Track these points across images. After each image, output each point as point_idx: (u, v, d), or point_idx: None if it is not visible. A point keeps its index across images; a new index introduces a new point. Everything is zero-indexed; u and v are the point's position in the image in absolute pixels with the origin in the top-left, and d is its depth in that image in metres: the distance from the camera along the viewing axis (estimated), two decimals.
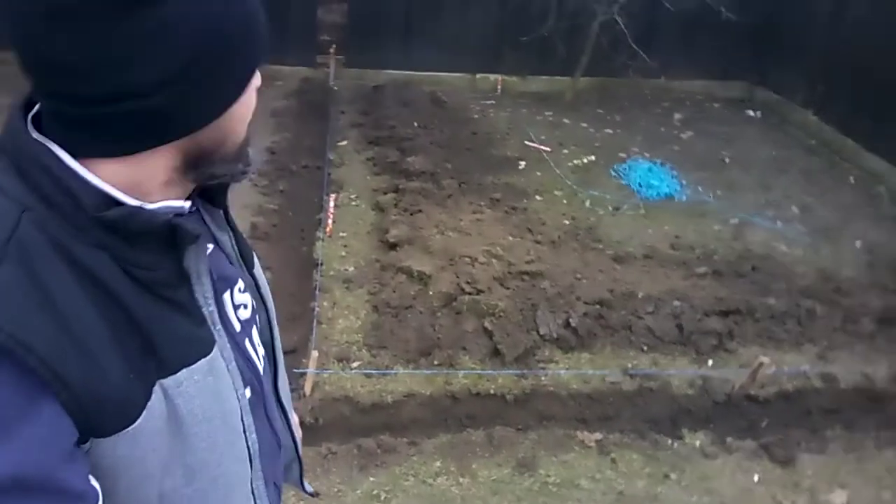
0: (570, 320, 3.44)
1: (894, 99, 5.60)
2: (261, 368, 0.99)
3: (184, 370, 0.77)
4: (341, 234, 4.14)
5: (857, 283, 4.17)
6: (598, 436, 3.07)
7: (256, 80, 0.80)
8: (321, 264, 3.80)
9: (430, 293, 3.49)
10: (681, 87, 7.27)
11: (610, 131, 6.16)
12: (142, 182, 0.73)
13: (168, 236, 0.75)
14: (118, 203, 0.71)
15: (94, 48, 0.64)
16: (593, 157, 5.59)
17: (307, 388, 3.01)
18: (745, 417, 3.27)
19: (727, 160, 5.82)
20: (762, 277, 4.09)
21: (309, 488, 1.29)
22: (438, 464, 2.86)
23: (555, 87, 6.88)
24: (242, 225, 4.16)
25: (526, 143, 5.69)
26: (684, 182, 5.31)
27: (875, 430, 3.29)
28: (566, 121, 6.29)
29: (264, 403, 1.00)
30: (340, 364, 3.18)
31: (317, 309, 3.45)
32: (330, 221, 4.17)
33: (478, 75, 6.92)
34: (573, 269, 3.87)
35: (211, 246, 0.89)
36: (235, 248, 0.98)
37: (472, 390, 3.13)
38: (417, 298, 3.47)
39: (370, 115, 5.88)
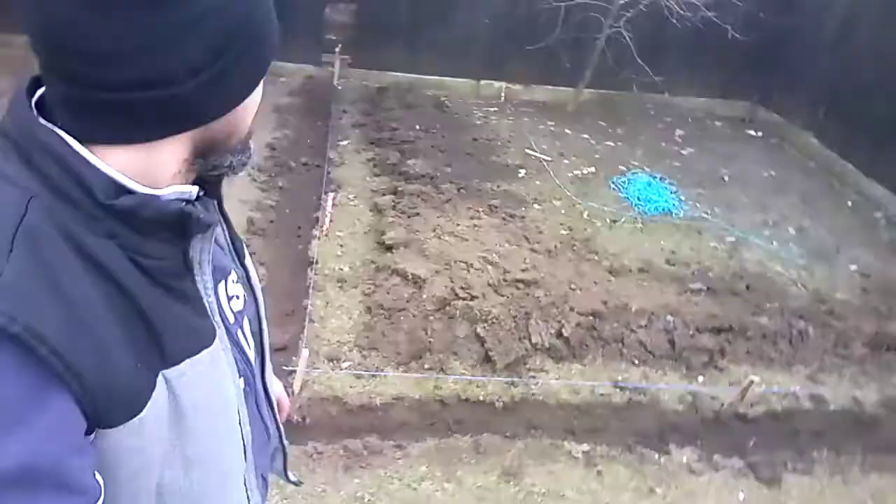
0: (563, 330, 3.44)
1: (895, 125, 5.62)
2: (252, 359, 0.99)
3: (187, 361, 0.77)
4: (338, 233, 4.14)
5: (850, 306, 4.18)
6: (585, 447, 3.07)
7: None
8: (316, 263, 3.79)
9: (424, 297, 3.48)
10: (684, 103, 7.29)
11: (611, 144, 6.17)
12: (151, 171, 0.73)
13: (178, 225, 0.75)
14: (128, 191, 0.71)
15: (132, 36, 0.64)
16: (593, 169, 5.60)
17: (296, 387, 3.00)
18: (732, 435, 3.27)
19: (726, 178, 5.84)
20: (756, 297, 4.10)
21: (292, 477, 1.29)
22: (424, 468, 2.85)
23: (558, 98, 6.90)
24: (239, 219, 4.16)
25: (527, 151, 5.70)
26: (683, 198, 5.32)
27: (862, 454, 3.29)
28: (568, 131, 6.30)
29: (255, 394, 1.02)
30: (330, 364, 3.17)
31: (309, 307, 3.44)
32: (327, 220, 4.16)
33: (482, 82, 6.93)
34: (568, 280, 3.87)
35: (219, 236, 0.90)
36: (228, 239, 0.99)
37: (461, 396, 3.13)
38: (411, 301, 3.47)
39: (373, 116, 5.88)
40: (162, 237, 0.74)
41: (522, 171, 5.34)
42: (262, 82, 0.81)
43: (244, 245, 1.04)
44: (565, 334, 3.43)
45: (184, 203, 0.75)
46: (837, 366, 3.71)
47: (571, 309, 3.58)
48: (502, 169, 5.31)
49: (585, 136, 6.27)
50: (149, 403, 0.71)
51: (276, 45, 0.80)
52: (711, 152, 6.32)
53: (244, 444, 0.93)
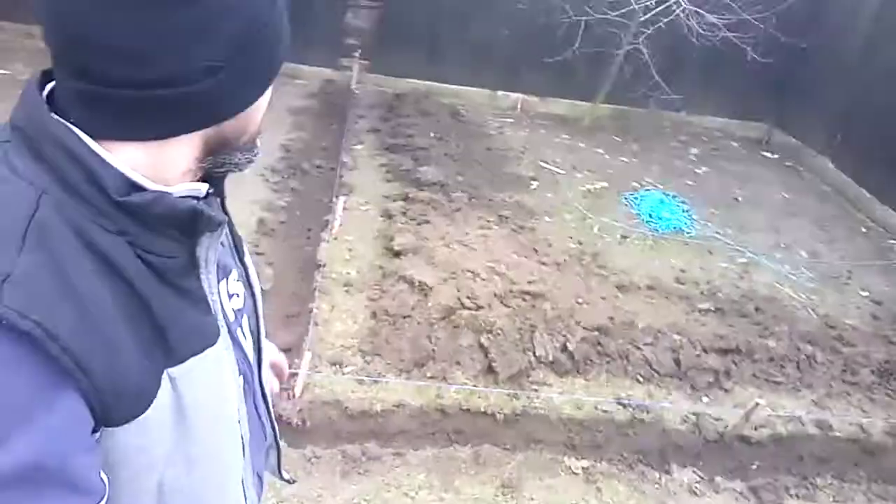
0: (568, 344, 3.42)
1: None
2: (251, 357, 1.00)
3: (192, 359, 0.77)
4: (347, 237, 4.14)
5: (860, 333, 4.13)
6: (585, 463, 3.04)
7: None
8: (324, 266, 3.79)
9: (430, 304, 3.47)
10: (700, 122, 7.28)
11: (625, 160, 6.15)
12: (163, 168, 0.73)
13: (188, 223, 0.75)
14: (140, 188, 0.71)
15: (154, 34, 0.65)
16: (606, 184, 5.58)
17: (297, 389, 3.00)
18: (735, 458, 3.23)
19: (740, 199, 5.81)
20: (765, 319, 4.06)
21: (286, 475, 1.29)
22: (422, 477, 2.84)
23: (574, 111, 6.90)
24: (250, 220, 4.18)
25: (540, 163, 5.69)
26: (695, 217, 5.30)
27: (867, 483, 3.24)
28: (582, 145, 6.30)
29: (253, 393, 1.02)
30: (333, 368, 3.16)
31: (315, 310, 3.44)
32: (337, 224, 4.17)
33: (499, 92, 6.94)
34: (575, 294, 3.85)
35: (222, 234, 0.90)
36: (229, 237, 0.99)
37: (462, 406, 3.11)
38: (416, 309, 3.46)
39: (388, 121, 5.90)
40: (171, 235, 0.74)
41: (535, 183, 5.33)
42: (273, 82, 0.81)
43: (244, 243, 1.04)
44: (570, 348, 3.41)
45: (195, 201, 0.75)
46: (845, 392, 3.66)
47: (577, 323, 3.56)
48: (514, 180, 5.30)
49: (600, 150, 6.26)
50: (154, 402, 0.71)
51: (288, 44, 0.80)
52: (726, 172, 6.30)
53: (243, 443, 0.93)
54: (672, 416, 3.32)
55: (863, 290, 4.72)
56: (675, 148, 6.65)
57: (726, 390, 3.53)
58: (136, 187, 0.71)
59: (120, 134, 0.70)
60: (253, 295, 1.04)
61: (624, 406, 3.29)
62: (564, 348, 3.42)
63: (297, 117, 5.81)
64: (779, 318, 4.10)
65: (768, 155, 7.01)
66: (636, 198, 5.41)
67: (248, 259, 1.03)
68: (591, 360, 3.47)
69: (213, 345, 0.81)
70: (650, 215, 5.17)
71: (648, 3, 5.89)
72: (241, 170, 0.85)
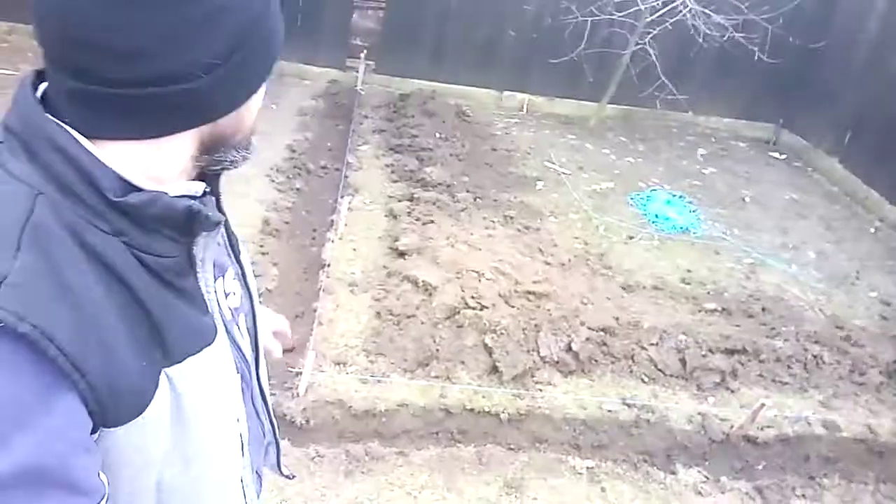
0: (572, 344, 3.40)
1: None
2: (248, 356, 1.00)
3: (189, 359, 0.77)
4: (351, 237, 4.14)
5: (868, 333, 4.10)
6: (589, 463, 3.03)
7: None
8: (328, 266, 3.80)
9: (434, 304, 3.47)
10: (707, 122, 7.24)
11: (631, 160, 6.13)
12: (159, 167, 0.73)
13: (184, 223, 0.75)
14: (136, 188, 0.71)
15: (151, 32, 0.64)
16: (612, 184, 5.57)
17: (301, 389, 3.00)
18: (741, 458, 3.21)
19: (747, 199, 5.78)
20: (771, 319, 4.03)
21: (286, 471, 1.30)
22: (425, 476, 2.83)
23: (580, 112, 6.88)
24: (255, 220, 4.19)
25: (546, 163, 5.68)
26: (701, 217, 5.27)
27: (875, 483, 3.22)
28: (588, 146, 6.28)
29: (251, 391, 1.03)
30: (337, 367, 3.16)
31: (319, 310, 3.44)
32: (342, 224, 4.17)
33: (505, 93, 6.93)
34: (580, 294, 3.84)
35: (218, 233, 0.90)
36: (225, 235, 0.99)
37: (466, 405, 3.10)
38: (420, 308, 3.45)
39: (394, 122, 5.90)
40: (167, 235, 0.74)
41: (540, 184, 5.32)
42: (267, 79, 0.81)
43: (240, 241, 1.04)
44: (574, 348, 3.39)
45: (191, 201, 0.75)
46: (852, 392, 3.63)
47: (582, 323, 3.55)
48: (520, 180, 5.29)
49: (606, 151, 6.24)
50: (152, 402, 0.71)
51: (282, 41, 0.80)
52: (733, 173, 6.27)
53: (242, 441, 0.94)
54: (677, 416, 3.30)
55: (871, 290, 4.68)
56: (682, 148, 6.62)
57: (732, 391, 3.51)
58: (132, 187, 0.70)
59: (116, 133, 0.70)
60: (250, 294, 1.04)
61: (629, 406, 3.28)
62: (569, 348, 3.41)
63: (302, 118, 5.82)
64: (786, 319, 4.07)
65: (776, 155, 6.97)
66: (643, 198, 5.39)
67: (244, 258, 1.03)
68: (595, 361, 3.45)
69: (210, 344, 0.81)
70: (656, 216, 5.15)
71: (655, 4, 5.88)
72: (236, 167, 0.85)
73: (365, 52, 6.67)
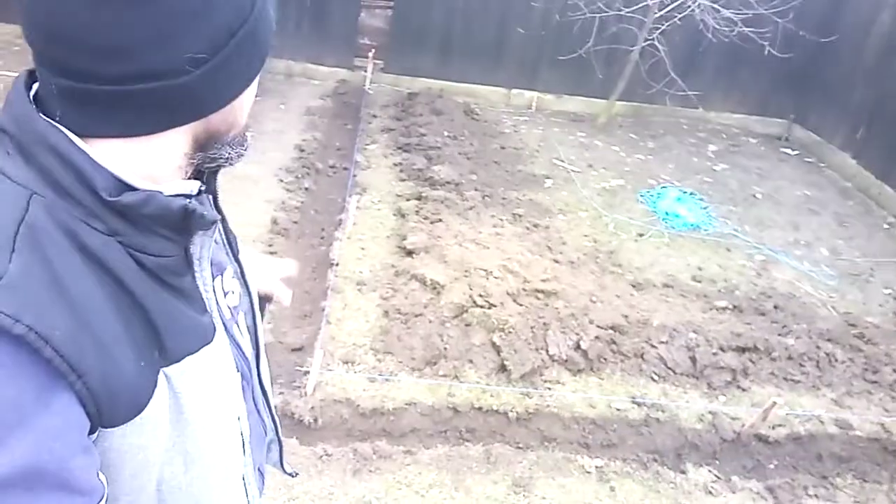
0: (581, 343, 3.38)
1: None
2: (248, 355, 1.00)
3: (187, 358, 0.76)
4: (360, 236, 4.14)
5: (882, 331, 4.05)
6: (598, 462, 3.01)
7: None
8: (337, 264, 3.80)
9: (442, 303, 3.46)
10: (718, 118, 7.19)
11: (641, 157, 6.09)
12: (152, 165, 0.73)
13: (180, 222, 0.74)
14: (130, 187, 0.70)
15: (134, 27, 0.64)
16: (622, 182, 5.54)
17: (309, 387, 3.00)
18: (752, 457, 3.18)
19: (759, 196, 5.73)
20: (783, 317, 3.99)
21: (288, 469, 1.29)
22: (433, 475, 2.82)
23: (589, 109, 6.85)
24: (264, 219, 4.20)
25: (555, 161, 5.66)
26: (713, 214, 5.23)
27: (889, 483, 3.17)
28: (598, 143, 6.25)
29: (252, 389, 1.02)
30: (345, 366, 3.16)
31: (327, 309, 3.44)
32: (350, 223, 4.17)
33: (513, 91, 6.91)
34: (589, 292, 3.82)
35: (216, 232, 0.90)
36: (223, 234, 0.98)
37: (474, 404, 3.09)
38: (428, 307, 3.45)
39: (402, 121, 5.90)
40: (163, 234, 0.74)
41: (549, 182, 5.30)
42: (259, 75, 0.80)
43: (238, 240, 1.04)
44: (583, 347, 3.37)
45: (187, 200, 0.75)
46: (866, 391, 3.59)
47: (591, 321, 3.53)
48: (528, 178, 5.27)
49: (615, 148, 6.21)
50: (150, 402, 0.71)
51: (272, 35, 0.79)
52: (744, 169, 6.22)
53: (243, 440, 0.93)
54: (688, 415, 3.27)
55: (885, 287, 4.63)
56: (693, 145, 6.58)
57: (744, 389, 3.48)
58: (127, 187, 0.70)
59: (106, 131, 0.69)
60: (249, 292, 1.03)
61: (638, 405, 3.25)
62: (578, 346, 3.39)
63: (311, 117, 5.83)
64: (798, 316, 4.03)
65: (788, 151, 6.91)
66: (653, 195, 5.36)
67: (243, 257, 1.03)
68: (605, 359, 3.43)
69: (209, 343, 0.80)
70: (667, 213, 5.11)
71: None
72: (232, 164, 0.84)
73: (373, 51, 6.67)
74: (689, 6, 5.72)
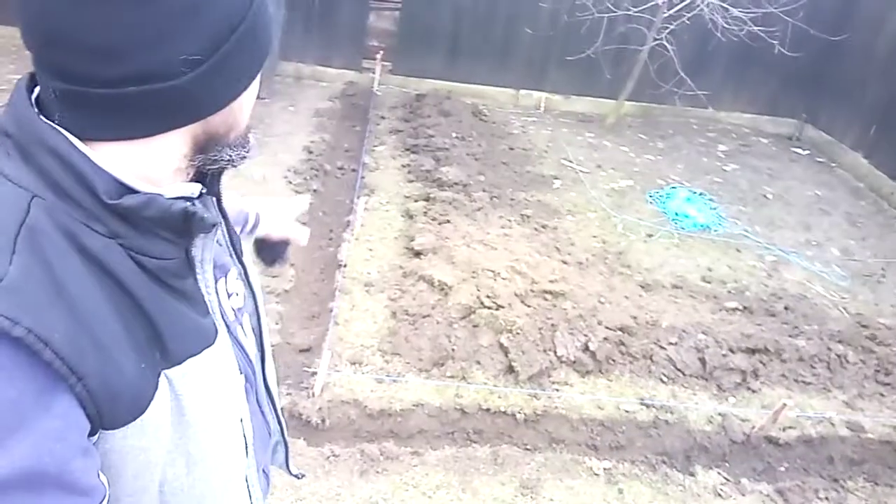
0: (590, 344, 3.37)
1: None
2: (252, 356, 1.00)
3: (189, 360, 0.76)
4: (368, 237, 4.15)
5: (894, 332, 4.01)
6: (607, 464, 2.99)
7: None
8: (345, 266, 3.80)
9: (449, 304, 3.45)
10: (728, 118, 7.15)
11: (650, 157, 6.07)
12: (152, 168, 0.73)
13: (181, 225, 0.74)
14: (131, 190, 0.70)
15: (125, 29, 0.63)
16: (631, 182, 5.51)
17: (317, 388, 3.00)
18: (762, 460, 3.15)
19: (769, 196, 5.69)
20: (794, 318, 3.96)
21: (294, 470, 1.29)
22: (441, 476, 2.82)
23: (598, 109, 6.83)
24: None
25: (563, 162, 5.64)
26: (723, 214, 5.20)
27: None
28: (607, 143, 6.23)
29: (256, 391, 1.02)
30: (353, 367, 3.16)
31: (335, 310, 3.44)
32: (358, 224, 4.18)
33: (521, 91, 6.90)
34: (597, 293, 3.80)
35: (218, 233, 0.90)
36: (226, 236, 0.98)
37: (482, 405, 3.08)
38: (436, 308, 3.44)
39: (410, 122, 5.90)
40: (164, 236, 0.74)
41: (557, 182, 5.28)
42: (259, 76, 0.80)
43: (242, 241, 1.04)
44: (592, 348, 3.36)
45: (187, 202, 0.75)
46: (878, 393, 3.55)
47: (600, 323, 3.51)
48: (537, 179, 5.26)
49: (624, 148, 6.18)
50: (152, 404, 0.71)
51: (272, 36, 0.79)
52: (755, 169, 6.18)
53: (246, 442, 0.93)
54: (697, 416, 3.25)
55: None
56: (703, 145, 6.54)
57: (754, 391, 3.45)
58: (127, 189, 0.70)
59: (102, 134, 0.69)
60: (253, 293, 1.03)
61: (647, 406, 3.24)
62: (586, 348, 3.37)
63: (319, 119, 5.84)
64: (809, 317, 4.00)
65: (799, 151, 6.86)
66: (662, 196, 5.33)
67: (246, 259, 1.03)
68: (613, 360, 3.41)
69: (211, 345, 0.80)
70: (676, 213, 5.09)
71: None
72: (235, 166, 0.84)
73: (381, 53, 6.68)
74: (698, 5, 5.68)
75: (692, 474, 3.03)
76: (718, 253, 4.67)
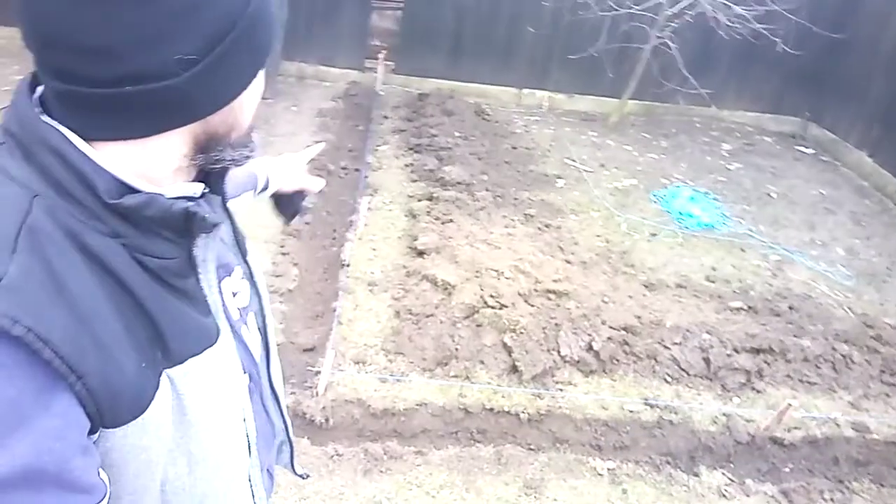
0: (593, 344, 3.36)
1: None
2: (256, 356, 1.00)
3: (191, 360, 0.76)
4: (371, 237, 4.14)
5: None
6: (610, 464, 2.99)
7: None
8: (348, 265, 3.79)
9: (453, 303, 3.45)
10: (731, 117, 7.14)
11: (654, 156, 6.06)
12: (152, 168, 0.72)
13: (181, 224, 0.74)
14: (132, 190, 0.70)
15: (121, 29, 0.63)
16: (634, 181, 5.50)
17: (320, 388, 3.00)
18: (767, 460, 3.14)
19: (773, 195, 5.67)
20: (799, 318, 3.95)
21: (299, 470, 1.29)
22: (444, 476, 2.81)
23: (601, 108, 6.82)
24: (276, 220, 4.19)
25: (566, 161, 5.63)
26: (727, 214, 5.19)
27: None
28: (610, 142, 6.22)
29: (260, 390, 1.02)
30: (356, 366, 3.15)
31: (339, 309, 3.44)
32: (362, 224, 4.17)
33: (524, 90, 6.89)
34: (601, 292, 3.79)
35: (223, 232, 0.89)
36: (232, 234, 0.98)
37: (485, 405, 3.07)
38: (439, 307, 3.44)
39: (413, 122, 5.90)
40: (165, 236, 0.73)
41: (561, 182, 5.27)
42: (261, 75, 0.79)
43: (246, 240, 1.03)
44: (595, 348, 3.35)
45: (189, 202, 0.74)
46: (883, 393, 3.54)
47: (603, 322, 3.50)
48: (540, 178, 5.25)
49: (628, 147, 6.17)
50: (153, 403, 0.71)
51: (274, 38, 0.78)
52: (759, 168, 6.16)
53: (249, 441, 0.93)
54: (701, 417, 3.24)
55: None
56: (706, 144, 6.53)
57: (758, 391, 3.44)
58: (129, 189, 0.70)
59: (102, 133, 0.69)
60: (258, 293, 1.03)
61: (651, 406, 3.23)
62: (590, 347, 3.36)
63: (322, 119, 5.84)
64: (814, 317, 3.98)
65: (804, 150, 6.84)
66: (666, 195, 5.32)
67: (251, 258, 1.02)
68: (617, 360, 3.40)
69: (212, 345, 0.80)
70: (680, 213, 5.07)
71: None
72: (238, 166, 0.83)
73: (384, 52, 6.67)
74: (702, 3, 5.67)
75: (696, 475, 3.02)
76: (722, 252, 4.66)
